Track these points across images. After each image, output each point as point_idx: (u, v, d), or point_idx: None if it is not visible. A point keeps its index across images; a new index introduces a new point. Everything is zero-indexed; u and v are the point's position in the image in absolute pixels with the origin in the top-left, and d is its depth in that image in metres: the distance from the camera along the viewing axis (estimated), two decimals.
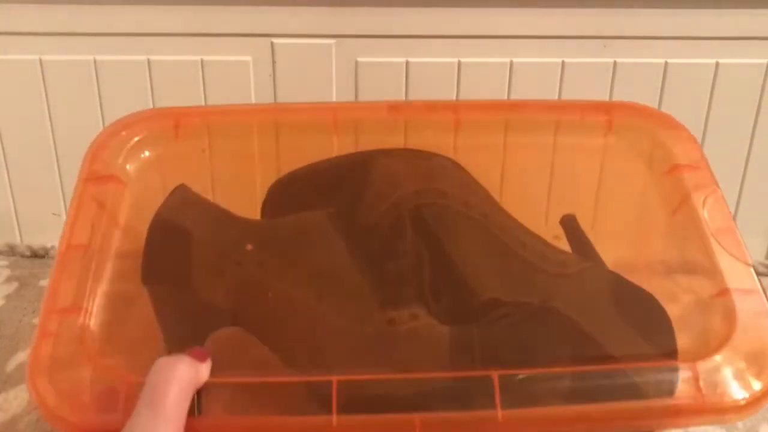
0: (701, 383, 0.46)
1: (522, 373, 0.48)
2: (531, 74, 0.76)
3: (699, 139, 0.78)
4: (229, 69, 0.76)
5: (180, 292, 0.55)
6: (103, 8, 0.74)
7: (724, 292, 0.51)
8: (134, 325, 0.56)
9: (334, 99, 0.77)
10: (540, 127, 0.64)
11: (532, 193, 0.68)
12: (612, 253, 0.62)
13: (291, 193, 0.63)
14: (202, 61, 0.76)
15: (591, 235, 0.63)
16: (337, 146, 0.63)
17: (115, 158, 0.59)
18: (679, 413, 0.46)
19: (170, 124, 0.61)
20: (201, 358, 0.45)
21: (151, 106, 0.77)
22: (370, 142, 0.64)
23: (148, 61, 0.75)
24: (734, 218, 0.81)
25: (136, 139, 0.60)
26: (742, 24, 0.74)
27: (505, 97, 0.77)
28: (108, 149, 0.59)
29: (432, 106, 0.65)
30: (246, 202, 0.62)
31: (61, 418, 0.44)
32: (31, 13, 0.74)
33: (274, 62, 0.76)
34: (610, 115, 0.63)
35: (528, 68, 0.76)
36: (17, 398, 0.64)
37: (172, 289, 0.56)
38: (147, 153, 0.60)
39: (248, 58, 0.76)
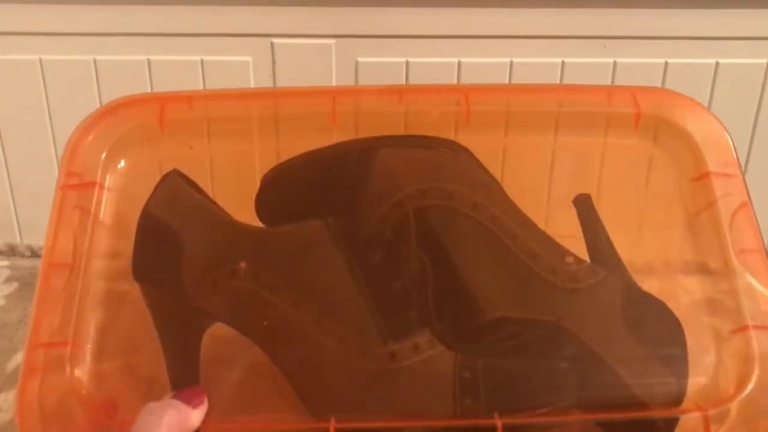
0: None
1: (526, 422, 0.47)
2: (531, 74, 0.76)
3: None
4: (229, 69, 0.76)
5: (173, 296, 0.54)
6: (103, 8, 0.74)
7: (743, 328, 0.48)
8: (126, 336, 0.54)
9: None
10: (565, 117, 0.61)
11: (548, 189, 0.65)
12: (631, 257, 0.58)
13: (287, 186, 0.59)
14: (202, 61, 0.76)
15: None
16: (337, 133, 0.60)
17: (96, 159, 0.55)
18: None
19: (155, 113, 0.56)
20: (193, 403, 0.43)
21: None
22: (370, 127, 0.60)
23: (148, 61, 0.75)
24: None
25: (119, 135, 0.55)
26: (742, 24, 0.74)
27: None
28: (87, 149, 0.55)
29: (439, 90, 0.61)
30: (241, 189, 0.59)
31: None
32: (31, 13, 0.74)
33: (274, 62, 0.76)
34: (639, 106, 0.58)
35: (528, 68, 0.76)
36: None
37: (164, 292, 0.54)
38: (132, 151, 0.56)
39: (248, 58, 0.76)
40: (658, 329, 0.54)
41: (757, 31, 0.74)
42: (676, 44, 0.75)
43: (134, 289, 0.54)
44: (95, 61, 0.76)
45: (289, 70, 0.76)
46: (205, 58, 0.75)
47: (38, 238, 0.83)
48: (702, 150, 0.56)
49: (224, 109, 0.59)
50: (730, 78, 0.76)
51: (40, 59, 0.76)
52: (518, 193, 0.58)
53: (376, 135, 0.59)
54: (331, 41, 0.75)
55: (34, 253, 0.82)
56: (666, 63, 0.75)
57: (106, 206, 0.54)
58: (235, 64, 0.76)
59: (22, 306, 0.74)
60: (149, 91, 0.76)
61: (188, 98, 0.58)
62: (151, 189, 0.56)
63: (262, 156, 0.60)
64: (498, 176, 0.59)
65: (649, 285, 0.55)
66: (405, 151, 0.58)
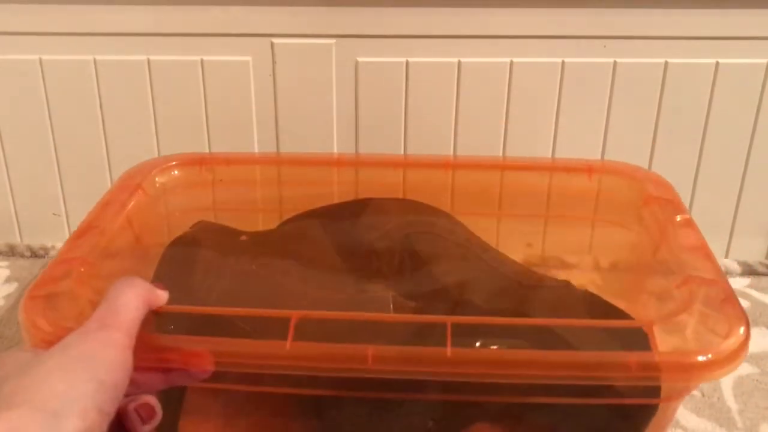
0: (660, 342, 0.46)
1: (476, 322, 0.49)
2: (531, 74, 0.76)
3: (699, 139, 0.78)
4: (229, 69, 0.76)
5: (182, 295, 0.56)
6: (103, 8, 0.74)
7: (687, 280, 0.53)
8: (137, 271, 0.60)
9: (334, 99, 0.77)
10: (531, 177, 0.70)
11: (524, 233, 0.72)
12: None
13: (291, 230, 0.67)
14: (202, 61, 0.76)
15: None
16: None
17: (145, 177, 0.65)
18: (632, 366, 0.45)
19: (196, 164, 0.69)
20: (158, 287, 0.47)
21: (151, 106, 0.77)
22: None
23: (148, 61, 0.75)
24: (734, 218, 0.82)
25: (165, 166, 0.68)
26: (742, 24, 0.74)
27: (505, 97, 0.77)
28: (141, 172, 0.67)
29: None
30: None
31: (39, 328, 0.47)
32: (31, 13, 0.74)
33: (274, 62, 0.76)
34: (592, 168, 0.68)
35: (528, 68, 0.76)
36: None
37: (174, 295, 0.57)
38: (171, 177, 0.68)
39: (248, 58, 0.76)
40: (618, 326, 0.56)
41: (757, 31, 0.74)
42: (676, 44, 0.75)
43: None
44: (95, 61, 0.76)
45: (289, 70, 0.76)
46: (205, 58, 0.76)
47: (38, 238, 0.83)
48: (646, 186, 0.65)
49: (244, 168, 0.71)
50: (730, 78, 0.76)
51: (40, 59, 0.76)
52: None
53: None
54: (331, 41, 0.75)
55: (34, 253, 0.82)
56: (666, 63, 0.75)
57: (141, 206, 0.63)
58: (235, 64, 0.76)
59: None
60: (149, 90, 0.76)
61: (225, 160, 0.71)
62: (182, 205, 0.68)
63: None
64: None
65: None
66: (394, 200, 0.68)
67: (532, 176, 0.70)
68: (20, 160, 0.80)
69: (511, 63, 0.76)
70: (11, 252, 0.82)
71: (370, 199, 0.68)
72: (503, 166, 0.71)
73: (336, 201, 0.69)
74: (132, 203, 0.62)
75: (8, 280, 0.78)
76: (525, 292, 0.60)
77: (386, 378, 0.46)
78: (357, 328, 0.49)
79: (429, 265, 0.61)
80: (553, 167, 0.70)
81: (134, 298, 0.43)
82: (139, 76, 0.76)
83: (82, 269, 0.53)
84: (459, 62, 0.76)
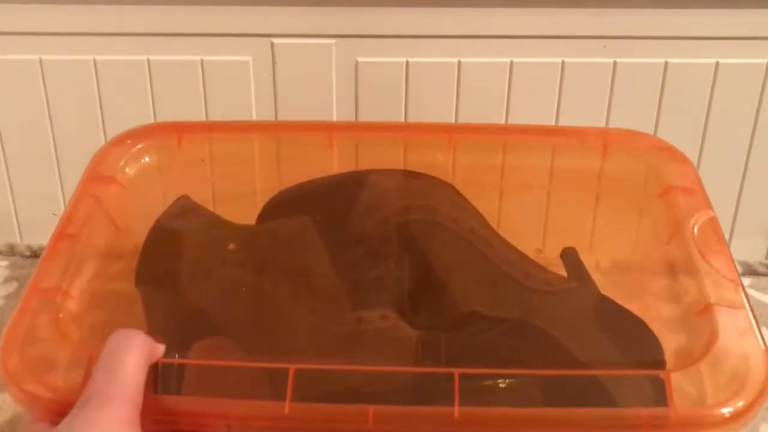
0: (675, 394, 0.44)
1: (484, 372, 0.47)
2: (531, 74, 0.76)
3: (699, 140, 0.78)
4: (229, 69, 0.76)
5: (169, 294, 0.56)
6: (103, 8, 0.74)
7: (707, 308, 0.50)
8: (116, 316, 0.57)
9: (334, 99, 0.77)
10: (537, 149, 0.66)
11: (526, 214, 0.69)
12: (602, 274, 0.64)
13: (285, 207, 0.64)
14: (202, 61, 0.76)
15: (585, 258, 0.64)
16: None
17: (117, 163, 0.62)
18: (645, 424, 0.44)
19: (173, 136, 0.64)
20: (156, 338, 0.46)
21: (151, 106, 0.77)
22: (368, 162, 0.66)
23: (148, 61, 0.75)
24: (734, 218, 0.82)
25: (139, 146, 0.63)
26: (742, 24, 0.74)
27: (505, 97, 0.77)
28: (111, 155, 0.62)
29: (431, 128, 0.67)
30: (244, 214, 0.63)
31: (29, 393, 0.45)
32: (31, 13, 0.74)
33: (274, 62, 0.76)
34: (606, 140, 0.64)
35: (528, 68, 0.76)
36: None
37: (161, 291, 0.56)
38: (148, 159, 0.63)
39: (248, 58, 0.76)
40: (632, 334, 0.55)
41: (757, 31, 0.74)
42: (676, 44, 0.75)
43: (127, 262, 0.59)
44: (95, 61, 0.76)
45: (289, 70, 0.76)
46: (205, 58, 0.76)
47: (38, 238, 0.83)
48: (666, 172, 0.62)
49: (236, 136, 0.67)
50: (730, 78, 0.76)
51: (40, 59, 0.76)
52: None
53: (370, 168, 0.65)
54: (331, 41, 0.75)
55: (34, 253, 0.82)
56: (666, 63, 0.75)
57: (120, 200, 0.60)
58: (235, 64, 0.76)
59: None
60: (149, 90, 0.76)
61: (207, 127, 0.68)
62: (164, 191, 0.63)
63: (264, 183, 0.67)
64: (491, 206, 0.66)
65: (625, 296, 0.59)
66: (395, 177, 0.64)
67: (537, 153, 0.67)
68: (20, 160, 0.80)
69: (511, 63, 0.76)
70: (11, 252, 0.82)
71: (368, 173, 0.65)
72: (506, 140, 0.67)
73: (335, 170, 0.66)
74: (107, 197, 0.59)
75: (8, 279, 0.78)
76: (533, 297, 0.58)
77: None
78: (357, 373, 0.48)
79: (430, 267, 0.59)
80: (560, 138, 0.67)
81: (136, 360, 0.42)
82: (139, 76, 0.76)
83: (61, 315, 0.50)
84: (459, 62, 0.76)
